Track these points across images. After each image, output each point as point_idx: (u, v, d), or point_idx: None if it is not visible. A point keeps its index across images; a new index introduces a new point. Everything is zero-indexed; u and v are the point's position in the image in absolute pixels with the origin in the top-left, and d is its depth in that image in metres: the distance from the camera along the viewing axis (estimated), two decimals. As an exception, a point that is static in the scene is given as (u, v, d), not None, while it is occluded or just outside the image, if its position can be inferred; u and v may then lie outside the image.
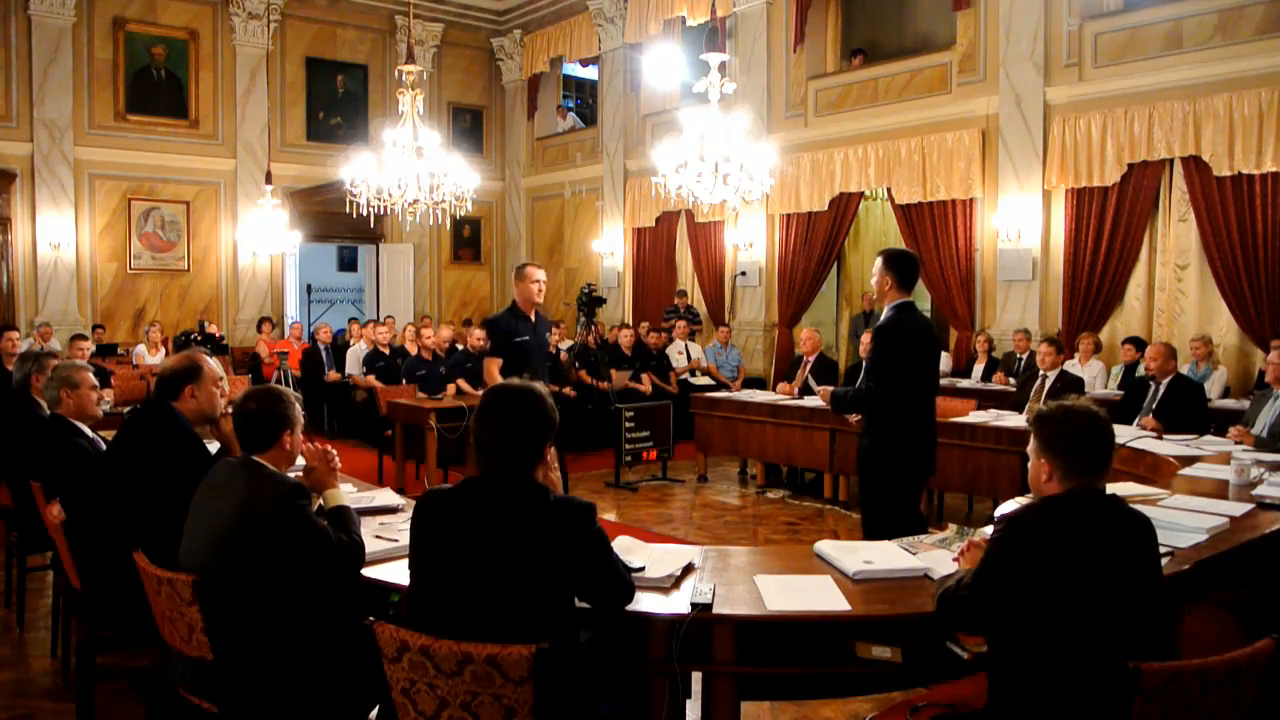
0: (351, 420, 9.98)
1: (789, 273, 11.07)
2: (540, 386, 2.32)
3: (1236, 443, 4.92)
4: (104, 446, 3.72)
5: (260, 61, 13.19)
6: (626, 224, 13.30)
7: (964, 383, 8.60)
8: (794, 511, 7.01)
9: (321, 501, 2.75)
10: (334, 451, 2.84)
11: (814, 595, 2.44)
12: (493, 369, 5.35)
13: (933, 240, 9.62)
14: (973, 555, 2.42)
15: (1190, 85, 7.83)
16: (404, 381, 8.59)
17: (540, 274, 5.53)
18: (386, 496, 3.63)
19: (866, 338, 8.01)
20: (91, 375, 3.97)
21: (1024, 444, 2.34)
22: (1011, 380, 7.99)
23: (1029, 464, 2.32)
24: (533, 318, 5.56)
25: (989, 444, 6.01)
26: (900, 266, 4.14)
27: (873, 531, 4.14)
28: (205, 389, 3.19)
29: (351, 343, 10.71)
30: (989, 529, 2.57)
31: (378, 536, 2.94)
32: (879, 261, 4.20)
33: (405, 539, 2.31)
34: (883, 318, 4.18)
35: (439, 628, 2.02)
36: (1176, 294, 8.14)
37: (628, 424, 7.71)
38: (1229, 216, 7.61)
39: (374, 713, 2.42)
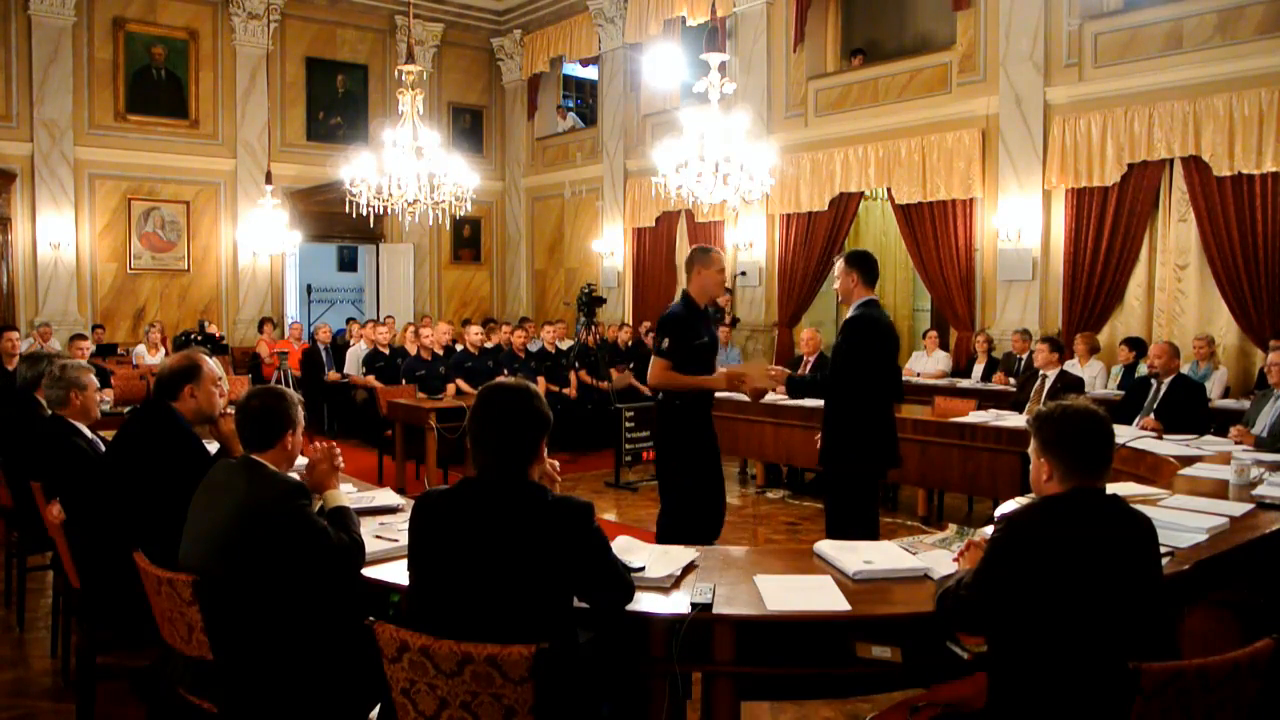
0: (351, 420, 9.99)
1: (789, 273, 11.07)
2: (533, 385, 2.33)
3: (1237, 443, 4.93)
4: (103, 447, 3.72)
5: (260, 61, 13.19)
6: (626, 224, 13.30)
7: (964, 383, 8.60)
8: (794, 511, 7.01)
9: (322, 502, 2.75)
10: (338, 450, 2.84)
11: (814, 595, 2.44)
12: (658, 370, 4.34)
13: (933, 240, 9.62)
14: (973, 555, 2.42)
15: (1190, 85, 7.83)
16: (404, 381, 8.59)
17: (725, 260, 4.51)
18: (386, 496, 3.63)
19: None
20: (93, 376, 3.99)
21: (1024, 444, 2.34)
22: (1011, 380, 7.99)
23: (1030, 464, 2.32)
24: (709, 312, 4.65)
25: (989, 444, 6.01)
26: (862, 265, 4.29)
27: (835, 529, 4.21)
28: (204, 388, 3.20)
29: (351, 343, 10.71)
30: (989, 529, 2.57)
31: (378, 536, 2.94)
32: (840, 264, 4.34)
33: (405, 539, 2.31)
34: (851, 313, 4.29)
35: (439, 628, 2.02)
36: (1176, 294, 8.14)
37: (628, 424, 7.71)
38: (1229, 216, 7.60)
39: (374, 713, 2.42)
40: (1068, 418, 2.20)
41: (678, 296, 4.60)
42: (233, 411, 2.81)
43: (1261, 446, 4.83)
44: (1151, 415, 5.89)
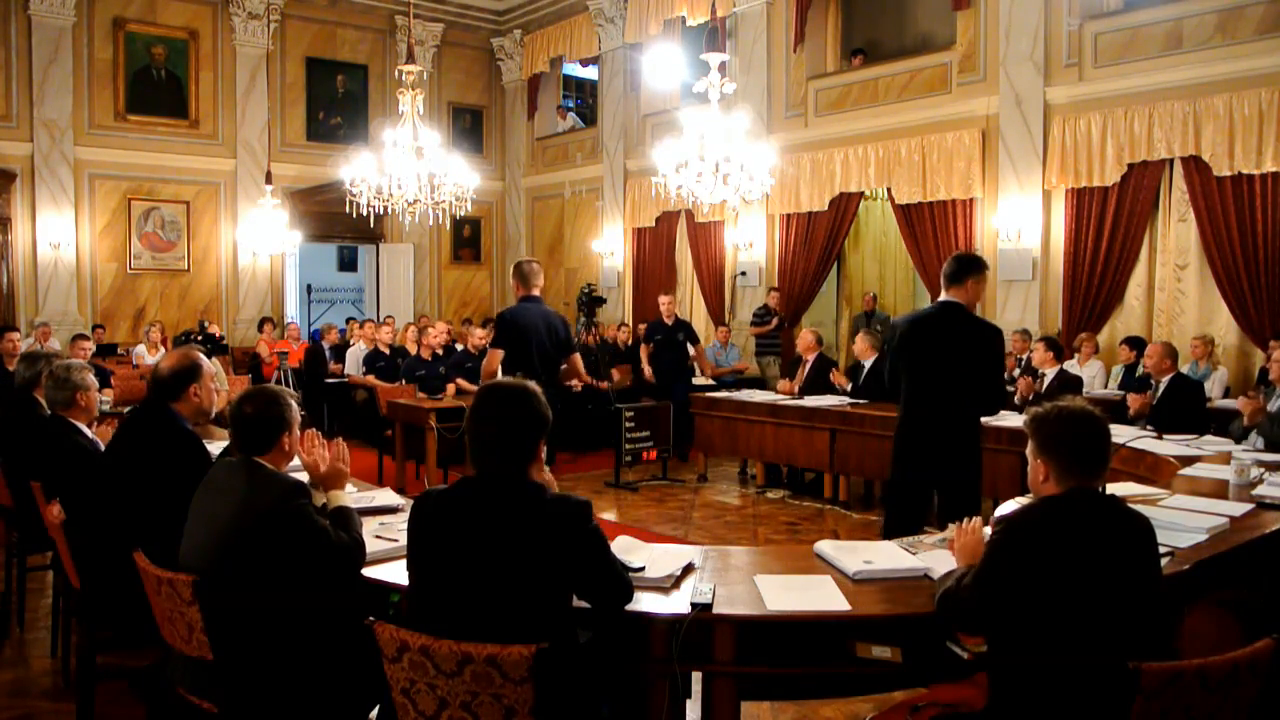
0: (351, 420, 9.98)
1: (789, 273, 11.07)
2: (532, 385, 2.32)
3: (1246, 424, 4.94)
4: (102, 446, 3.73)
5: (260, 61, 13.19)
6: (626, 224, 13.30)
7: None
8: (794, 511, 7.01)
9: (325, 500, 2.76)
10: (346, 451, 2.86)
11: (814, 595, 2.44)
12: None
13: (933, 240, 9.61)
14: (967, 545, 2.43)
15: (1190, 85, 7.82)
16: (404, 381, 8.59)
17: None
18: (386, 496, 3.63)
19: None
20: (92, 375, 4.00)
21: (1024, 444, 2.34)
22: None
23: (1028, 465, 2.32)
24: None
25: (988, 444, 5.96)
26: (946, 266, 4.23)
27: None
28: (205, 386, 3.22)
29: (351, 342, 10.70)
30: (987, 529, 2.57)
31: (378, 536, 2.94)
32: None
33: (405, 539, 2.31)
34: None
35: (439, 628, 2.02)
36: (1176, 294, 8.14)
37: (628, 424, 7.71)
38: (1229, 216, 7.60)
39: (374, 713, 2.42)
40: (1064, 419, 2.20)
41: (539, 301, 5.71)
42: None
43: (1265, 435, 4.84)
44: (1149, 409, 5.88)
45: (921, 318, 4.28)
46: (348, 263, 17.24)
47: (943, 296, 4.22)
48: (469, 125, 15.33)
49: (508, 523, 2.14)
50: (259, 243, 12.87)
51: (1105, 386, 7.84)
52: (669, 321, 9.21)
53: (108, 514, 3.07)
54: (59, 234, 11.89)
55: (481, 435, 2.23)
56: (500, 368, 5.36)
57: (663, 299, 9.47)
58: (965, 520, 2.61)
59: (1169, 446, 4.81)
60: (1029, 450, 2.28)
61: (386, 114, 12.74)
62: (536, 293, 5.68)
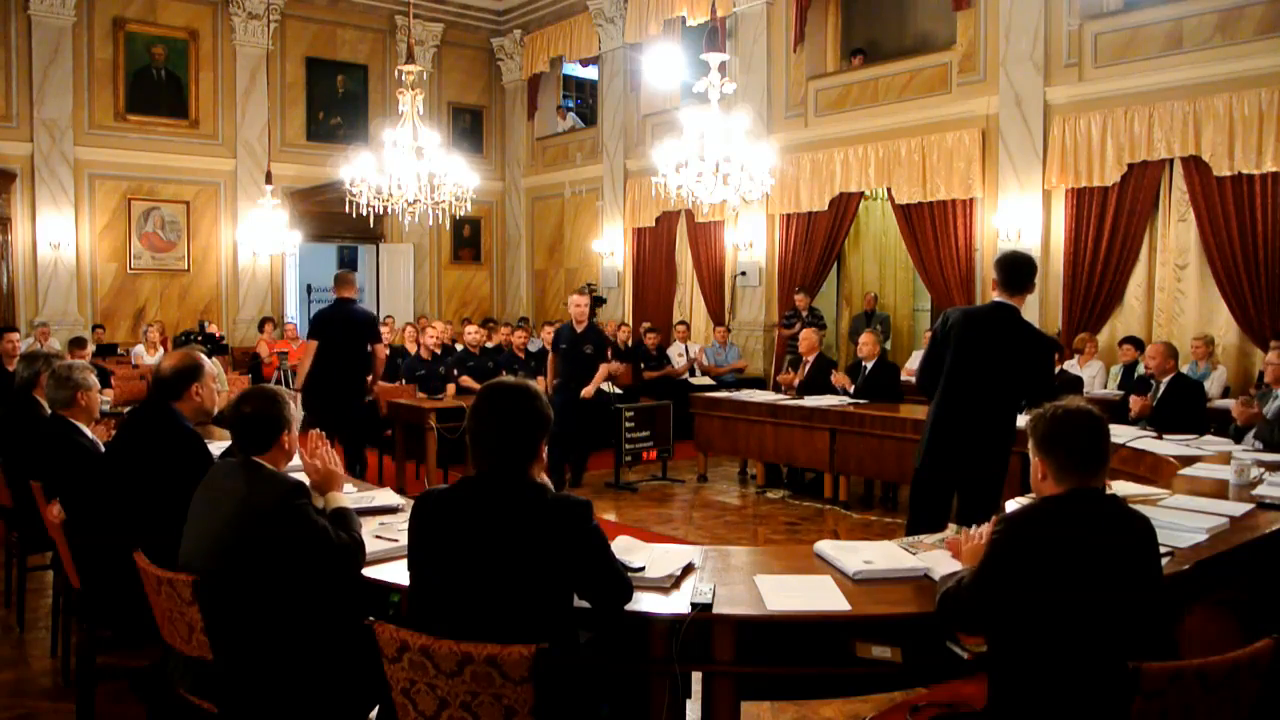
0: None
1: (789, 273, 11.07)
2: (533, 384, 2.33)
3: (1241, 424, 4.97)
4: (102, 446, 3.73)
5: (260, 61, 13.19)
6: (626, 224, 13.30)
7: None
8: (794, 511, 7.01)
9: (323, 503, 2.76)
10: (337, 457, 2.87)
11: (814, 595, 2.44)
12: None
13: (933, 240, 9.61)
14: (975, 551, 2.43)
15: (1190, 85, 7.82)
16: (404, 381, 8.59)
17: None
18: (386, 496, 3.63)
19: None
20: (94, 375, 4.00)
21: (1024, 444, 2.34)
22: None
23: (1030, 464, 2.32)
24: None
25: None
26: (999, 266, 4.31)
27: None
28: (207, 386, 3.24)
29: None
30: (985, 528, 2.57)
31: (378, 536, 2.94)
32: None
33: (405, 539, 2.31)
34: None
35: (439, 628, 2.02)
36: (1176, 294, 8.14)
37: (628, 424, 7.70)
38: (1229, 216, 7.60)
39: (374, 713, 2.42)
40: (1062, 418, 2.21)
41: (351, 303, 6.97)
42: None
43: (1262, 438, 4.84)
44: (1149, 410, 5.89)
45: (976, 314, 4.29)
46: (348, 263, 17.19)
47: (996, 297, 4.21)
48: (469, 125, 15.33)
49: (508, 523, 2.14)
50: (259, 243, 12.87)
51: (1105, 386, 7.84)
52: (578, 327, 7.59)
53: (108, 513, 3.07)
54: (59, 234, 11.89)
55: (482, 435, 2.23)
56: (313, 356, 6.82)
57: (573, 299, 7.70)
58: (974, 526, 2.61)
59: (1169, 446, 4.81)
60: (1030, 448, 2.28)
61: (386, 114, 12.73)
62: (349, 295, 7.04)
